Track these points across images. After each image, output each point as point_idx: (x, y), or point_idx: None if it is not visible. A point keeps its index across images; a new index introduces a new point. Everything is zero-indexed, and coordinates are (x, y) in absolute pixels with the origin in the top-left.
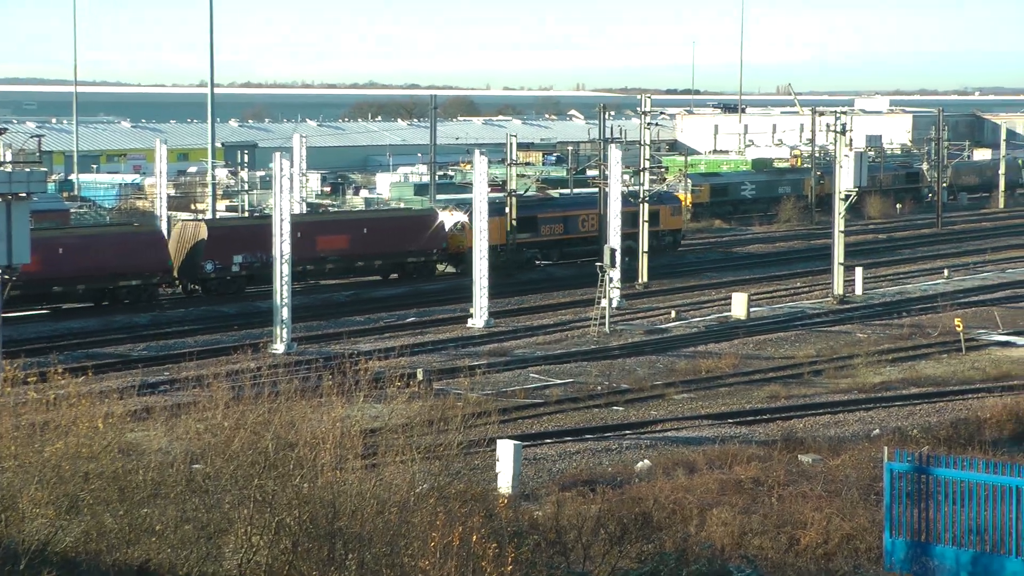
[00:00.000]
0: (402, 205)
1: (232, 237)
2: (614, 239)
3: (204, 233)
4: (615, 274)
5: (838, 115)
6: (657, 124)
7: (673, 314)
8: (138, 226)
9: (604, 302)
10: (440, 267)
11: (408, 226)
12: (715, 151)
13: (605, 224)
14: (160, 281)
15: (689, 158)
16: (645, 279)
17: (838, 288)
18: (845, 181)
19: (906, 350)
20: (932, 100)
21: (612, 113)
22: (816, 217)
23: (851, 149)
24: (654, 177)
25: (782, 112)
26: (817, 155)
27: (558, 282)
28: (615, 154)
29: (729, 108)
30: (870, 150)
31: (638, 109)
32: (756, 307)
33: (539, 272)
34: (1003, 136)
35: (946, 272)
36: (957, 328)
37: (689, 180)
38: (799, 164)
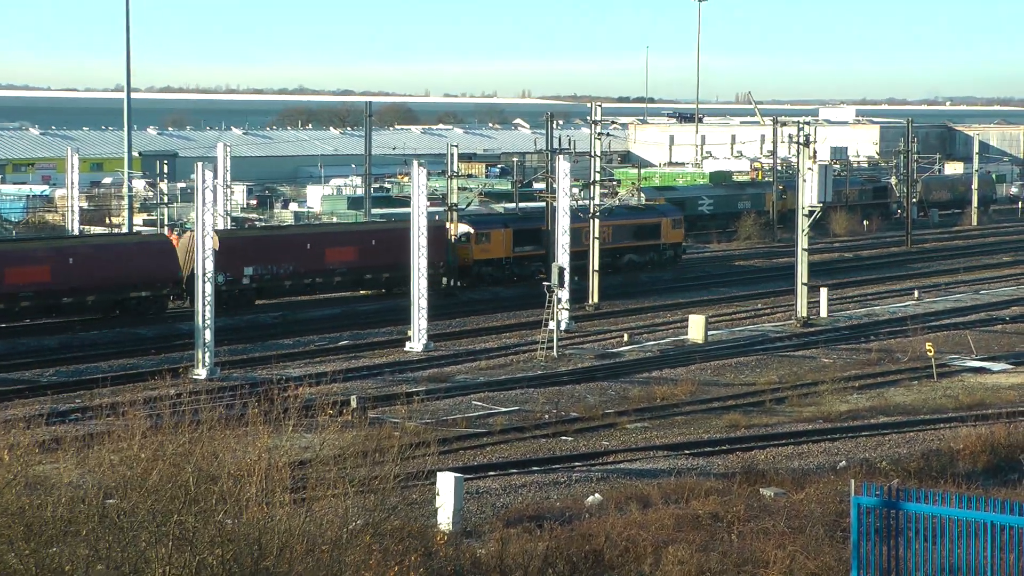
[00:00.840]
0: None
1: (243, 247)
2: (562, 257)
3: (215, 243)
4: (563, 294)
5: (801, 125)
6: (608, 134)
7: (626, 337)
8: (146, 235)
9: (552, 324)
10: (444, 281)
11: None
12: (670, 163)
13: (553, 240)
14: (170, 293)
15: (643, 170)
16: (596, 300)
17: (802, 310)
18: (809, 196)
19: (874, 376)
20: (901, 110)
21: (560, 122)
22: (778, 234)
23: (815, 162)
24: (605, 190)
25: (742, 122)
26: (779, 168)
27: (504, 303)
28: (563, 166)
29: (685, 117)
30: (836, 163)
31: (588, 118)
32: (714, 330)
33: (485, 291)
34: (975, 149)
35: (916, 293)
36: (928, 353)
37: (643, 194)
38: (760, 178)
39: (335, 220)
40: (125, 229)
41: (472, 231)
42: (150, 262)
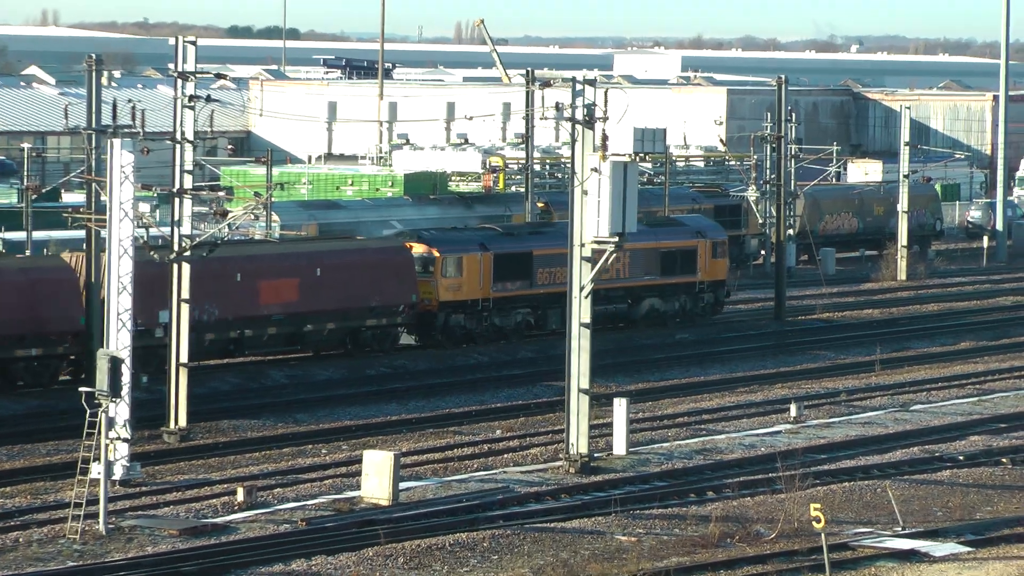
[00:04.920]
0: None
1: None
2: (117, 337)
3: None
4: (121, 411)
5: (580, 86)
6: (213, 100)
7: (241, 494)
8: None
9: (97, 470)
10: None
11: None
12: (330, 155)
13: (93, 292)
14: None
15: (281, 170)
16: (182, 422)
17: (579, 442)
18: (592, 225)
19: (715, 569)
20: (767, 61)
21: (117, 72)
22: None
23: (606, 157)
24: (205, 208)
25: (466, 79)
26: (540, 167)
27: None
28: (121, 157)
29: (358, 67)
30: (646, 158)
31: (170, 67)
32: (410, 480)
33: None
34: (904, 135)
35: (793, 409)
36: (815, 525)
37: (277, 215)
38: (503, 187)
39: None
40: None
41: (435, 254)
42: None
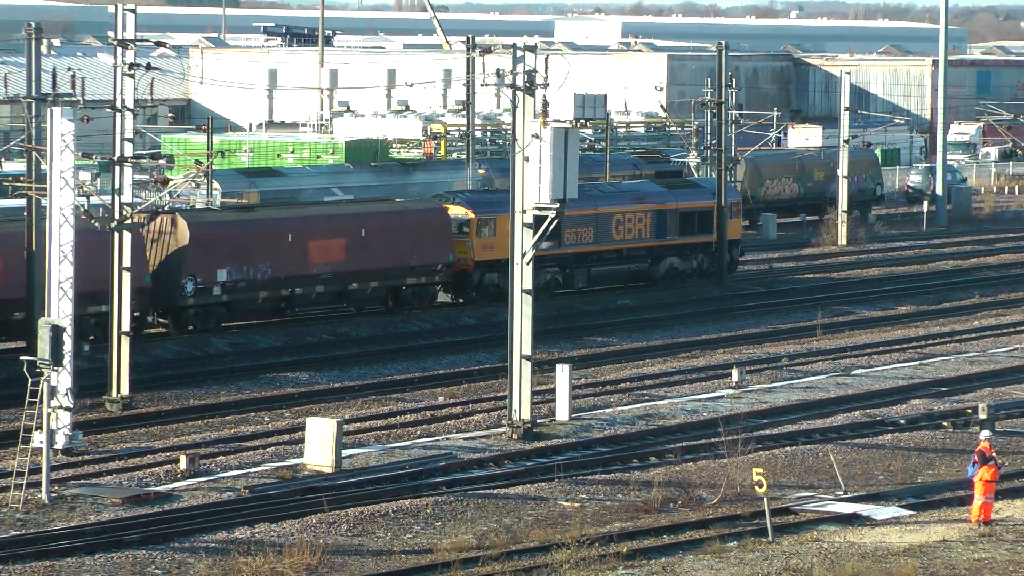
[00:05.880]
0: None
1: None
2: (59, 306)
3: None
4: (63, 379)
5: (520, 52)
6: (153, 67)
7: (183, 462)
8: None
9: (39, 438)
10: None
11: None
12: (271, 122)
13: (35, 261)
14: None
15: (221, 138)
16: (124, 391)
17: (521, 408)
18: (535, 190)
19: (657, 535)
20: (707, 27)
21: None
22: None
23: (546, 124)
24: (146, 176)
25: (407, 46)
26: (482, 134)
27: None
28: (62, 125)
29: (298, 34)
30: (586, 124)
31: (109, 35)
32: (352, 447)
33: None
34: (843, 100)
35: (735, 373)
36: (757, 489)
37: (217, 183)
38: (444, 153)
39: None
40: None
41: (471, 215)
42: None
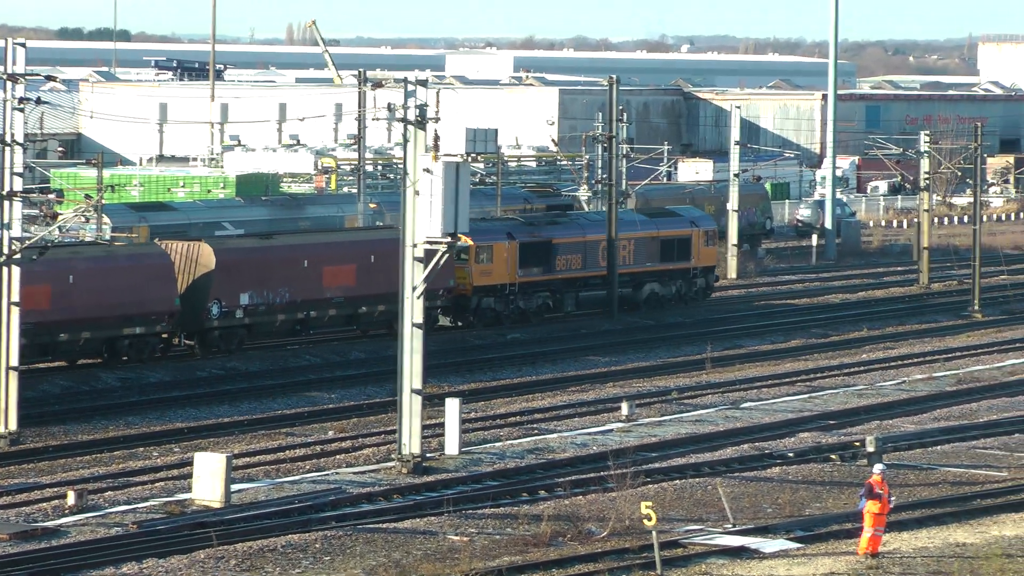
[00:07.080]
0: None
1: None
2: None
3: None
4: None
5: (412, 86)
6: (43, 102)
7: (71, 497)
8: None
9: None
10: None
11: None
12: (161, 157)
13: None
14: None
15: (112, 172)
16: (12, 426)
17: (411, 442)
18: (424, 225)
19: (547, 568)
20: (598, 61)
21: None
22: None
23: (438, 157)
24: (37, 211)
25: (298, 80)
26: (373, 167)
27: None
28: None
29: (190, 69)
30: (478, 158)
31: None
32: (242, 482)
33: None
34: (734, 134)
35: (625, 407)
36: (646, 523)
37: (107, 218)
38: (334, 188)
39: None
40: None
41: (470, 242)
42: (148, 286)
